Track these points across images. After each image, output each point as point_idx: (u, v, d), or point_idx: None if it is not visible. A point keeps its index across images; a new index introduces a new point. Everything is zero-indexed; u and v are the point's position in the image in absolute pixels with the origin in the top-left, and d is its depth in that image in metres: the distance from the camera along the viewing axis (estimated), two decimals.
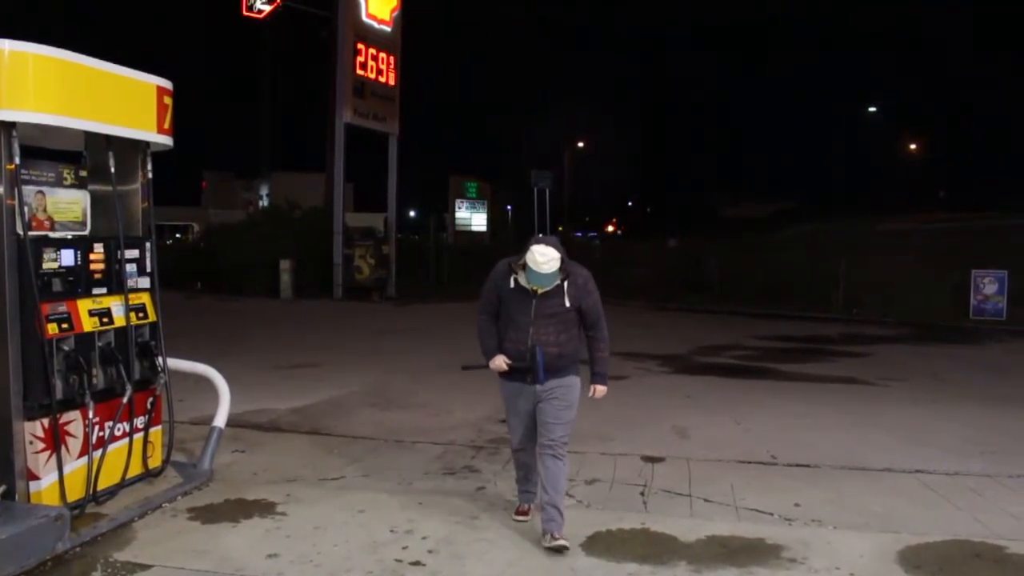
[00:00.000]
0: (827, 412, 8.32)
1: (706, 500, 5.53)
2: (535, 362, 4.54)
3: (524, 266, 4.49)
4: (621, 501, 5.50)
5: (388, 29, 23.35)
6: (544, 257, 4.39)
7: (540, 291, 4.54)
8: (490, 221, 36.94)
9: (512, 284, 4.61)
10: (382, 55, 23.00)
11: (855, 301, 18.53)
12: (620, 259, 24.27)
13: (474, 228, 36.13)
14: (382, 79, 23.08)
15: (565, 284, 4.56)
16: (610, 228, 58.28)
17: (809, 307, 18.42)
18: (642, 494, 5.65)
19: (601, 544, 4.65)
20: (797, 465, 6.37)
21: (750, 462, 6.46)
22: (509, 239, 33.43)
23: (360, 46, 22.17)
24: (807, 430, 7.54)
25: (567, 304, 4.57)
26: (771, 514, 5.26)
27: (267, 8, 30.27)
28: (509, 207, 42.49)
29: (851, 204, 29.40)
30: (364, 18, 22.39)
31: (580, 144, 49.84)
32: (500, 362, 4.67)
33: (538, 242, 4.47)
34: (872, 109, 50.66)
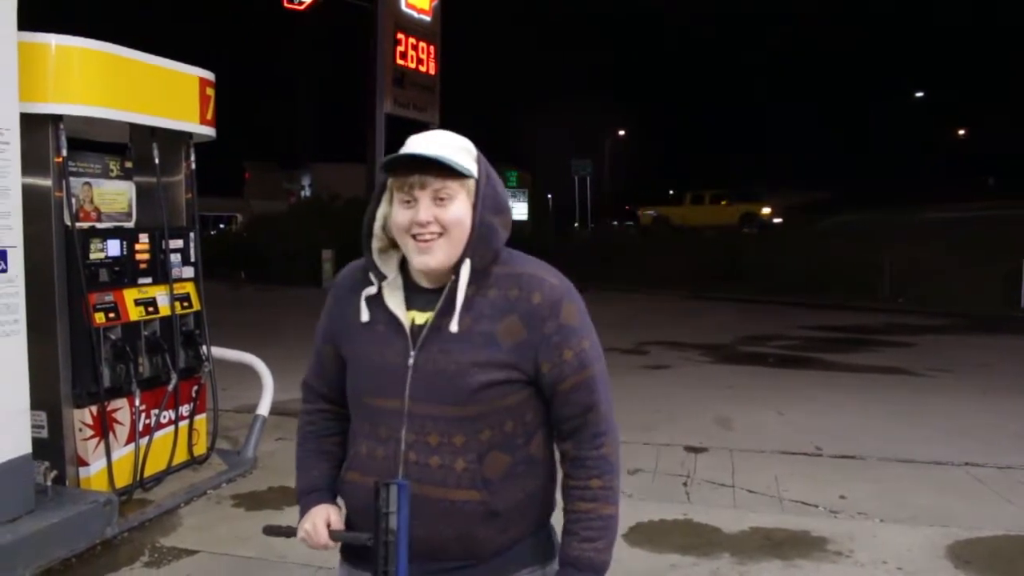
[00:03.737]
0: (872, 403, 8.20)
1: (749, 491, 5.48)
2: (382, 528, 1.64)
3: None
4: (664, 491, 5.47)
5: (428, 19, 23.35)
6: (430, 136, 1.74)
7: (424, 319, 1.73)
8: (531, 210, 36.94)
9: (365, 314, 1.78)
10: (422, 45, 23.01)
11: (900, 291, 18.23)
12: (659, 247, 24.09)
13: (515, 217, 36.13)
14: (422, 69, 23.10)
15: (491, 293, 1.73)
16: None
17: (852, 297, 18.16)
18: (685, 484, 5.61)
19: (643, 534, 4.63)
20: (842, 457, 6.28)
21: (794, 453, 6.38)
22: (549, 227, 33.43)
23: (400, 36, 22.20)
24: (852, 421, 7.43)
25: (502, 344, 1.70)
26: (816, 506, 5.20)
27: None
28: (549, 195, 42.45)
29: (895, 192, 28.90)
30: (404, 8, 22.41)
31: (620, 132, 49.65)
32: (319, 529, 1.82)
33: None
34: (919, 95, 49.75)
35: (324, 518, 1.83)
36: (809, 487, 5.52)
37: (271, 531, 1.92)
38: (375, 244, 1.81)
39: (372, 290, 1.79)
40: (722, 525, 4.75)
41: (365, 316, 1.79)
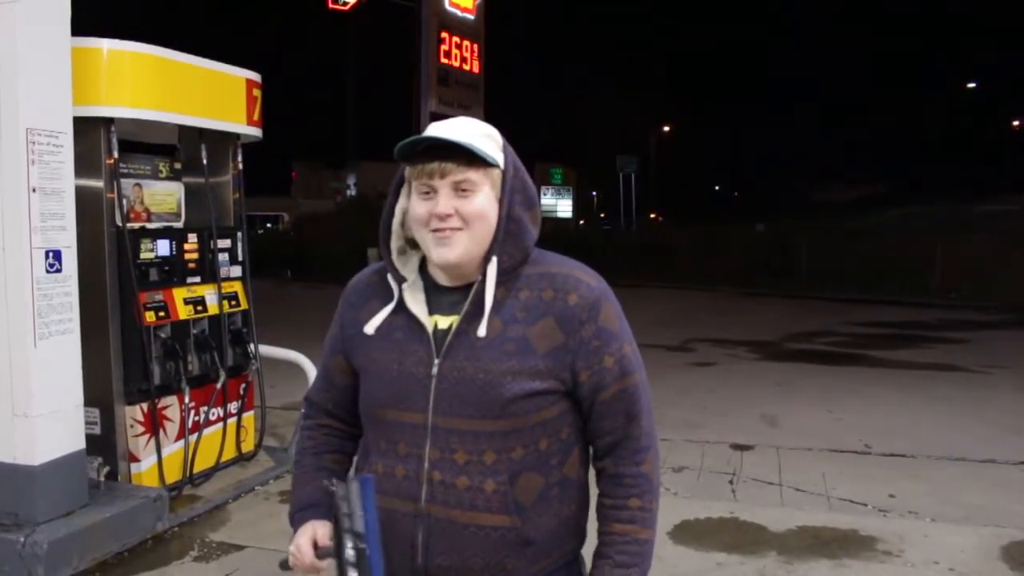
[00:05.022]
0: (924, 400, 8.04)
1: (797, 489, 5.41)
2: (346, 530, 1.41)
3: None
4: (709, 489, 5.42)
5: (471, 17, 23.38)
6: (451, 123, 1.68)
7: (449, 323, 1.57)
8: (576, 207, 36.85)
9: (380, 325, 1.62)
10: (466, 43, 23.03)
11: (952, 286, 17.86)
12: (705, 244, 23.87)
13: (560, 215, 36.08)
14: (466, 67, 23.12)
15: (523, 294, 1.57)
16: (652, 215, 55.42)
17: (903, 292, 17.83)
18: (731, 483, 5.56)
19: (689, 533, 4.60)
20: (892, 455, 6.17)
21: (843, 451, 6.29)
22: (595, 224, 33.28)
23: (444, 35, 22.25)
24: (903, 419, 7.30)
25: (537, 349, 1.53)
26: (865, 505, 5.12)
27: None
28: (594, 193, 42.27)
29: (947, 185, 28.32)
30: (447, 7, 22.46)
31: (666, 128, 49.29)
32: (303, 548, 1.61)
33: None
34: (971, 85, 48.66)
35: (309, 536, 1.62)
36: (858, 485, 5.44)
37: (286, 565, 1.66)
38: (394, 243, 1.64)
39: (391, 304, 1.62)
40: (769, 524, 4.70)
41: (375, 328, 1.62)
